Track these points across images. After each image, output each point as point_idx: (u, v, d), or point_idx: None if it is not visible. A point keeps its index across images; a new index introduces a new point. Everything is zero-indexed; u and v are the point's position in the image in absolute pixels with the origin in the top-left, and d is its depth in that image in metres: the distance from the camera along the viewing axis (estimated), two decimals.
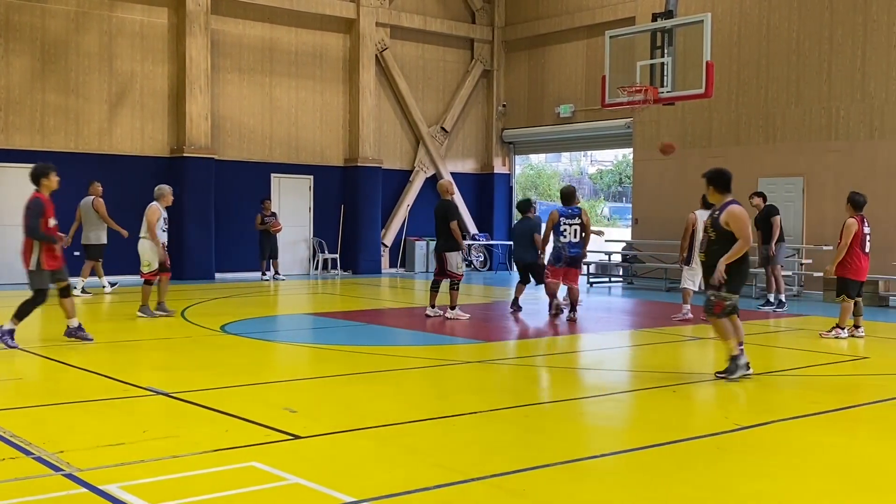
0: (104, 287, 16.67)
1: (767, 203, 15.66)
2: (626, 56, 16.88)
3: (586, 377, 9.31)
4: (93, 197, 16.32)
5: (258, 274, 20.99)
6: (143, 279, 13.23)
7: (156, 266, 13.06)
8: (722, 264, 8.49)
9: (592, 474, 5.54)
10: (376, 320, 13.67)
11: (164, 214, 13.17)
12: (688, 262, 13.30)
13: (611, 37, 17.10)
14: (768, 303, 15.55)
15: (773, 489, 5.23)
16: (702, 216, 12.64)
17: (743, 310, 15.00)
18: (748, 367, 8.68)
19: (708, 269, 8.75)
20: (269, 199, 21.27)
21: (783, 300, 15.54)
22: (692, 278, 13.46)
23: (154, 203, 13.10)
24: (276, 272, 21.06)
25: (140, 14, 20.19)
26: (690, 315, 13.53)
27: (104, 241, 16.37)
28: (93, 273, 16.42)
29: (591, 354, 11.07)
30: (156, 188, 13.44)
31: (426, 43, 24.85)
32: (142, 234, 13.10)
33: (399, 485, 5.11)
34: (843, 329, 11.82)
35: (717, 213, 8.77)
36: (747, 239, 8.57)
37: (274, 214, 21.09)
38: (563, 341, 11.90)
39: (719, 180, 8.89)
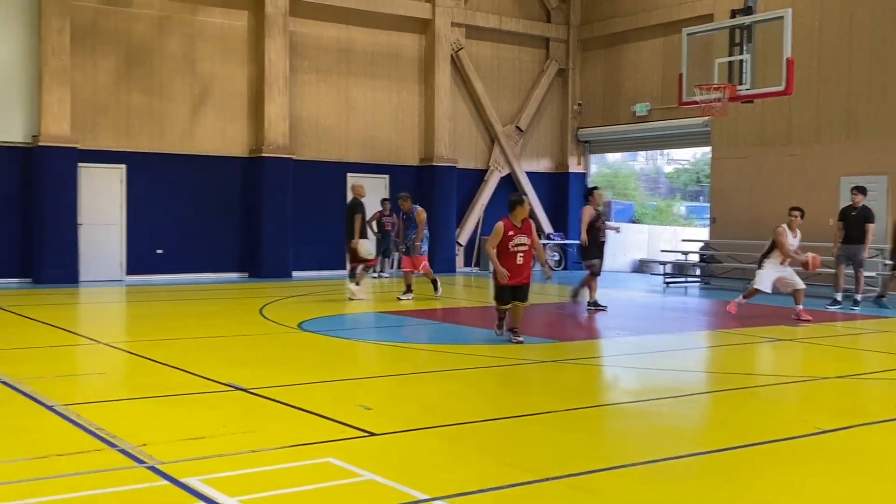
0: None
1: (865, 204, 15.45)
2: (703, 53, 16.65)
3: (663, 378, 9.21)
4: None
5: (334, 272, 21.18)
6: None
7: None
8: None
9: (668, 476, 5.48)
10: (450, 319, 13.72)
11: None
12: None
13: (688, 34, 16.89)
14: (835, 302, 15.29)
15: (853, 493, 5.12)
16: None
17: (816, 310, 14.64)
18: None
19: None
20: (388, 200, 21.22)
21: (859, 300, 15.42)
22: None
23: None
24: (383, 270, 21.44)
25: (220, 17, 20.60)
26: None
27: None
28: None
29: (669, 355, 10.94)
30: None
31: (501, 42, 24.83)
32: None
33: (472, 483, 5.13)
34: None
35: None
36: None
37: (392, 214, 21.25)
38: (638, 341, 11.79)
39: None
